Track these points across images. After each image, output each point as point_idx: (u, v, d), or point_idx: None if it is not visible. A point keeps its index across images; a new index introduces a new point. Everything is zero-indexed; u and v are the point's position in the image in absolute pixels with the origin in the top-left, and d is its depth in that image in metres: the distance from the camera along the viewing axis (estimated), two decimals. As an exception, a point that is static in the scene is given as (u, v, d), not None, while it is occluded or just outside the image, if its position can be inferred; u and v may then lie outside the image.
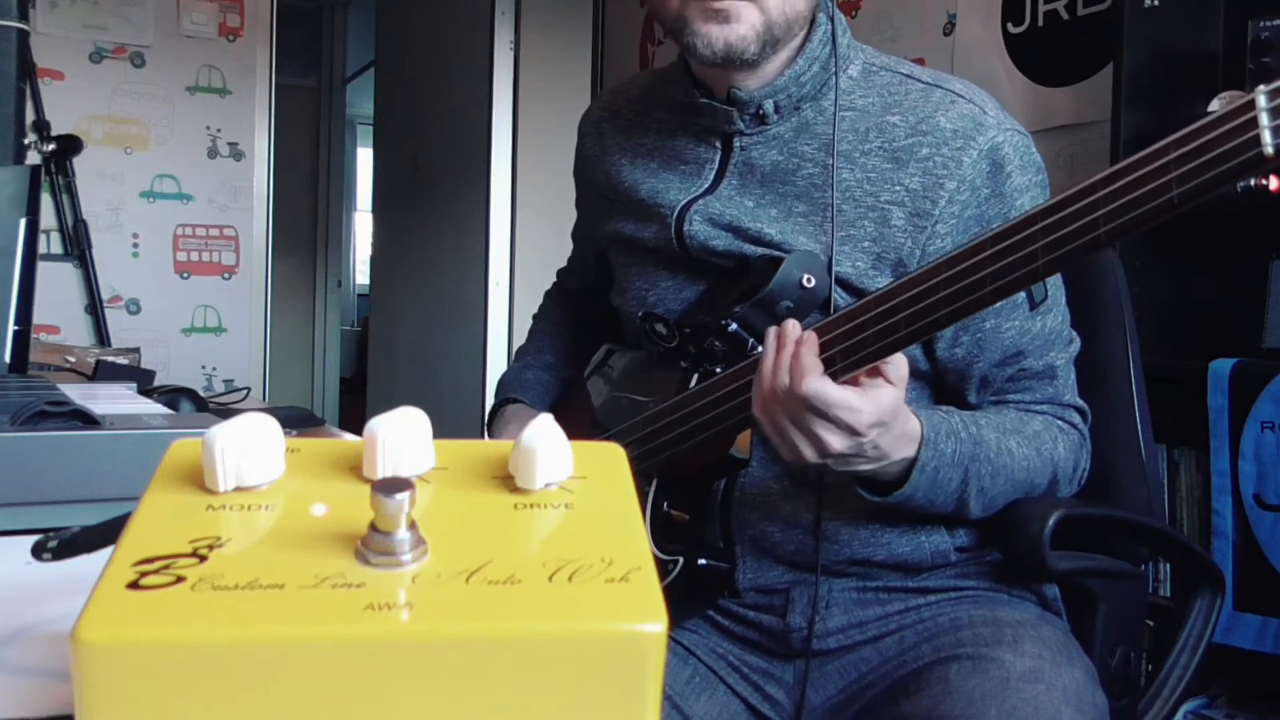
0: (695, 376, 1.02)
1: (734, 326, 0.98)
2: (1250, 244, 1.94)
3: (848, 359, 0.86)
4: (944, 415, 0.96)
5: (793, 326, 0.89)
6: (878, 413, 0.85)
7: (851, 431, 0.85)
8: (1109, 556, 1.09)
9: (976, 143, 0.97)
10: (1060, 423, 1.03)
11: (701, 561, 1.01)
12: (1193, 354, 1.87)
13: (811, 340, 0.86)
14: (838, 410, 0.84)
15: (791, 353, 0.86)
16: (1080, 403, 1.05)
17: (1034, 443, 1.00)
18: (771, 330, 0.89)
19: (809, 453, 0.87)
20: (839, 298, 0.98)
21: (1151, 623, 1.38)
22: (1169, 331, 1.95)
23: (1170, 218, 0.71)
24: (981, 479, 0.96)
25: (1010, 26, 2.46)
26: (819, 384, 0.84)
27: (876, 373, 0.86)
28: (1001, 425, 0.99)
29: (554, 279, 1.43)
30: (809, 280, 0.97)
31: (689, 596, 1.03)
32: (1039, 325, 1.01)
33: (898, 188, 0.98)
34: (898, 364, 0.86)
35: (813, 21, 1.02)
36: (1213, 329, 1.99)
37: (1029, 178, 1.00)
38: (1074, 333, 1.06)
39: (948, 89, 1.01)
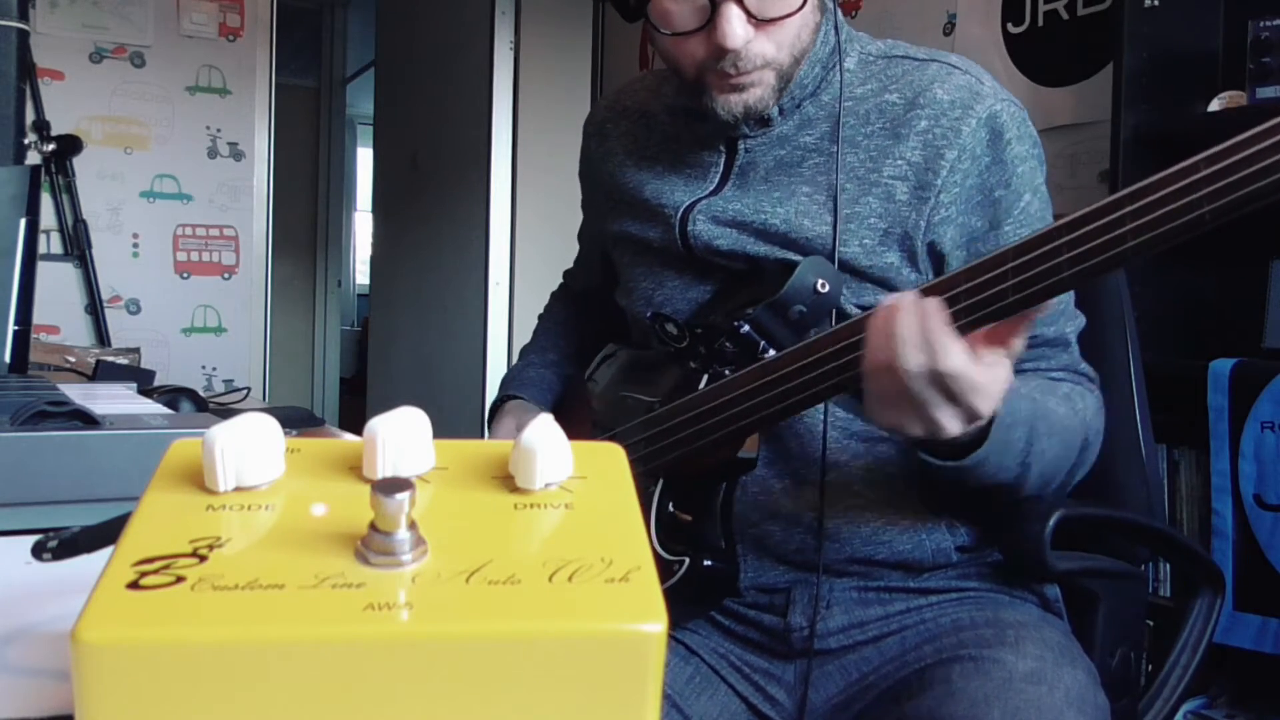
0: (705, 377, 1.02)
1: (746, 328, 0.98)
2: (1250, 244, 1.94)
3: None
4: None
5: (910, 297, 0.80)
6: (1000, 395, 0.81)
7: (973, 416, 0.81)
8: (1109, 556, 1.09)
9: (975, 111, 0.97)
10: (1081, 386, 1.03)
11: (707, 563, 1.01)
12: (1193, 354, 1.87)
13: (942, 311, 0.79)
14: (970, 395, 0.79)
15: (920, 325, 0.78)
16: (1092, 371, 1.05)
17: (1068, 403, 0.98)
18: (888, 299, 0.81)
19: (915, 428, 0.82)
20: (849, 299, 0.98)
21: (1151, 623, 1.38)
22: (1169, 331, 1.95)
23: (1201, 233, 0.71)
24: (1040, 438, 0.92)
25: (1010, 26, 2.46)
26: (963, 363, 0.78)
27: (999, 343, 0.80)
28: (1039, 387, 0.97)
29: (555, 280, 1.43)
30: (823, 285, 0.97)
31: (692, 598, 1.03)
32: None
33: (899, 161, 0.98)
34: (1021, 339, 0.80)
35: (819, 27, 1.02)
36: (1213, 329, 1.99)
37: (1027, 148, 1.00)
38: (1078, 310, 1.06)
39: (943, 61, 1.02)
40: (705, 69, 0.97)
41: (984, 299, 0.79)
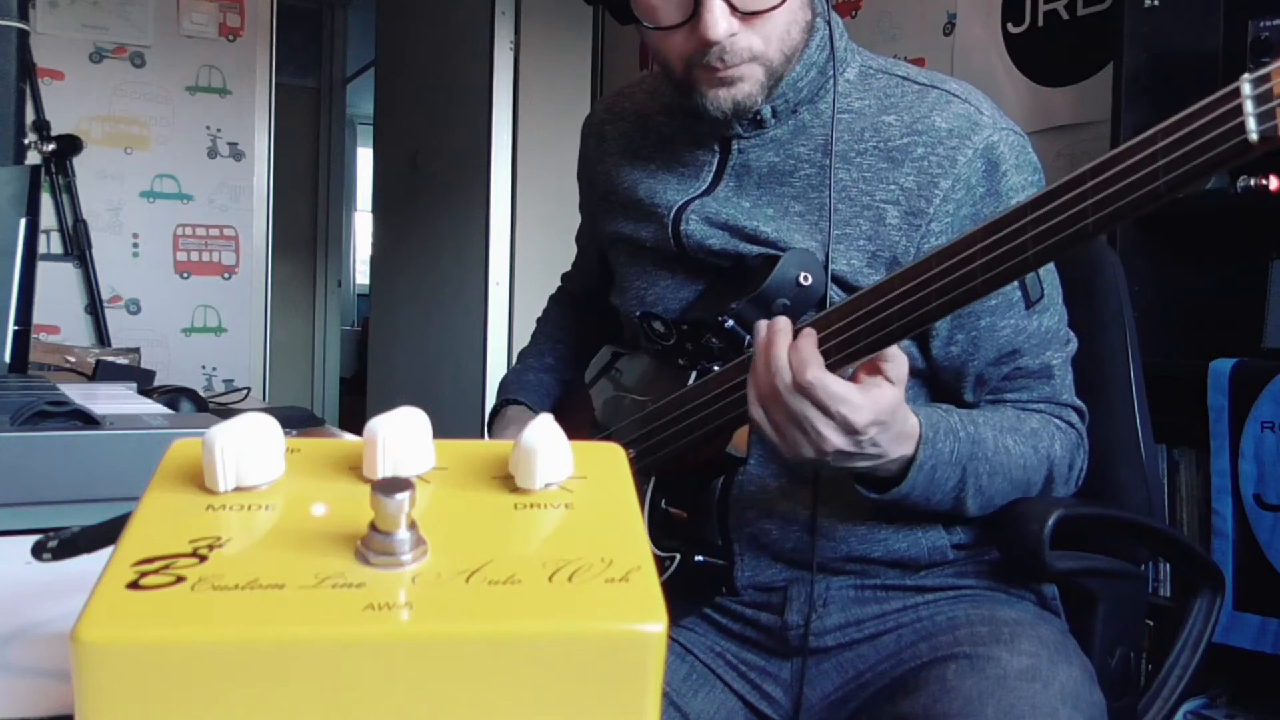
0: (693, 374, 1.02)
1: (730, 323, 0.98)
2: (1250, 244, 1.94)
3: (843, 352, 0.86)
4: (943, 414, 0.96)
5: (784, 321, 0.88)
6: (876, 411, 0.85)
7: (849, 429, 0.85)
8: (1109, 556, 1.09)
9: (971, 142, 0.97)
10: (1058, 421, 1.03)
11: (699, 558, 1.01)
12: (1193, 354, 1.87)
13: (810, 334, 0.87)
14: (838, 404, 0.84)
15: (788, 346, 0.86)
16: (1078, 402, 1.06)
17: (1031, 440, 1.00)
18: (761, 324, 0.89)
19: (808, 449, 0.87)
20: (835, 296, 0.98)
21: (1151, 623, 1.38)
22: (1169, 331, 1.96)
23: (1158, 206, 0.72)
24: (979, 477, 0.96)
25: (1010, 26, 2.46)
26: (821, 375, 0.84)
27: (875, 370, 0.86)
28: (999, 423, 0.99)
29: (555, 280, 1.43)
30: (806, 278, 0.97)
31: (687, 594, 1.03)
32: (1035, 324, 1.01)
33: (893, 186, 0.98)
34: (898, 363, 0.86)
35: (810, 26, 1.02)
36: (1213, 329, 1.99)
37: (1025, 177, 1.00)
38: (1071, 333, 1.06)
39: (943, 89, 1.01)
40: (692, 64, 0.97)
41: (954, 280, 0.81)
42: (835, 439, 0.85)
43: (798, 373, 0.85)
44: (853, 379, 0.86)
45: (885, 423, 0.86)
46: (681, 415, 1.00)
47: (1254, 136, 0.67)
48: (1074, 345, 1.06)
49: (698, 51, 0.96)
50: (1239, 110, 0.67)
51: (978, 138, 0.98)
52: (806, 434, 0.86)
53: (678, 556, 1.01)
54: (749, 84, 0.97)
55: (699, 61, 0.96)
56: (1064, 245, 0.76)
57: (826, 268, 0.98)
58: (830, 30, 1.02)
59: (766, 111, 1.01)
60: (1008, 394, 1.04)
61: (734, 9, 0.93)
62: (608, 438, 1.11)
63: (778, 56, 0.97)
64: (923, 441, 0.91)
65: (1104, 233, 0.76)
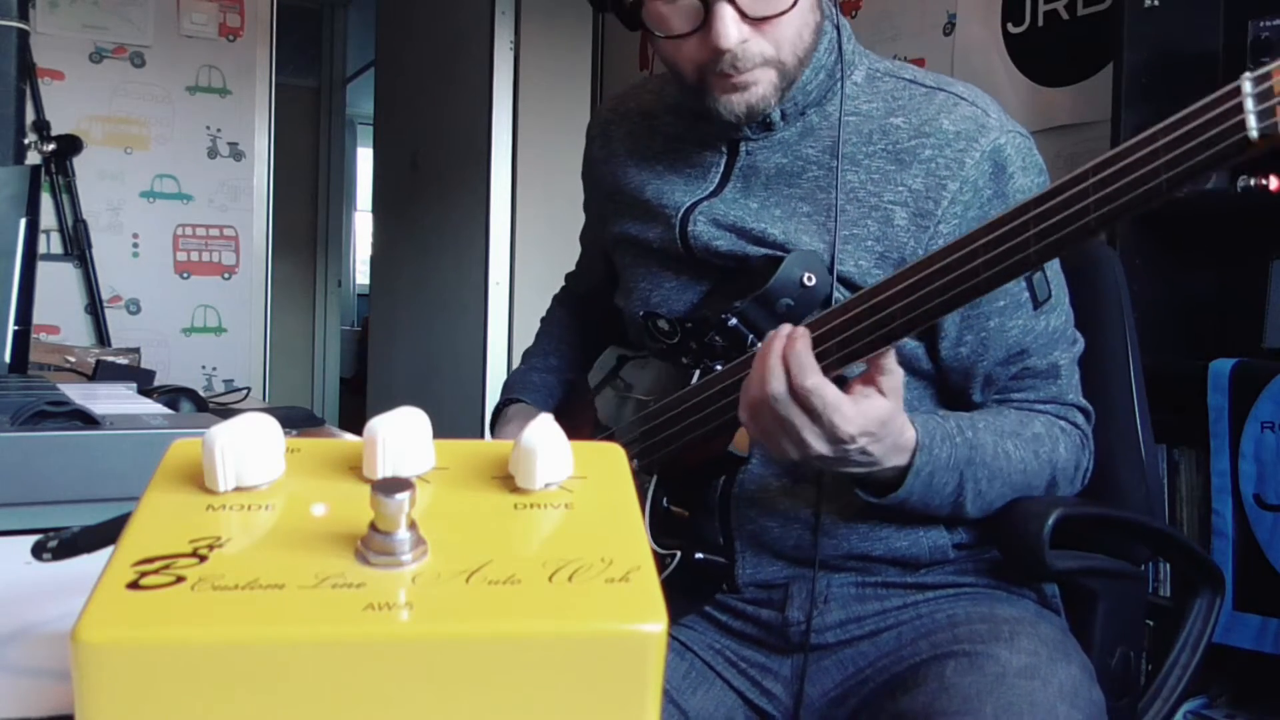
0: (696, 373, 1.02)
1: (734, 321, 0.98)
2: (1250, 244, 1.94)
3: (843, 350, 0.86)
4: (940, 420, 0.96)
5: (785, 327, 0.89)
6: (864, 422, 0.85)
7: (835, 438, 0.85)
8: (1109, 556, 1.09)
9: (979, 144, 0.98)
10: (1063, 423, 1.03)
11: (699, 556, 1.01)
12: (1193, 354, 1.88)
13: (805, 335, 0.87)
14: (830, 412, 0.84)
15: (782, 351, 0.86)
16: (1084, 403, 1.06)
17: (1033, 445, 1.00)
18: (770, 335, 0.89)
19: (792, 452, 0.88)
20: (840, 297, 0.98)
21: (1151, 623, 1.38)
22: (1169, 331, 1.96)
23: (1159, 204, 0.73)
24: (978, 482, 0.96)
25: (1010, 26, 2.47)
26: (820, 381, 0.85)
27: (870, 382, 0.87)
28: (1000, 428, 0.99)
29: (556, 280, 1.43)
30: (810, 279, 0.97)
31: (688, 592, 1.03)
32: (1043, 324, 1.01)
33: (901, 188, 0.98)
34: (893, 376, 0.87)
35: (820, 28, 1.02)
36: (1213, 329, 1.99)
37: (1031, 179, 1.00)
38: (1078, 333, 1.06)
39: (950, 92, 1.02)
40: (705, 71, 0.97)
41: (955, 278, 0.81)
42: (818, 445, 0.86)
43: (795, 377, 0.85)
44: (847, 388, 0.87)
45: (874, 434, 0.87)
46: (684, 414, 1.00)
47: (1254, 134, 0.68)
48: (1080, 345, 1.06)
49: (709, 59, 0.96)
50: (1239, 108, 0.68)
51: (985, 140, 0.98)
52: (791, 438, 0.87)
53: (678, 554, 1.01)
54: (762, 87, 0.98)
55: (712, 69, 0.96)
56: (1066, 242, 0.77)
57: (832, 269, 0.98)
58: (839, 33, 1.02)
59: (776, 114, 1.02)
60: (1015, 394, 1.04)
61: (744, 15, 0.93)
62: (609, 436, 1.11)
63: (791, 59, 0.98)
64: (919, 449, 0.92)
65: (1106, 230, 0.76)
